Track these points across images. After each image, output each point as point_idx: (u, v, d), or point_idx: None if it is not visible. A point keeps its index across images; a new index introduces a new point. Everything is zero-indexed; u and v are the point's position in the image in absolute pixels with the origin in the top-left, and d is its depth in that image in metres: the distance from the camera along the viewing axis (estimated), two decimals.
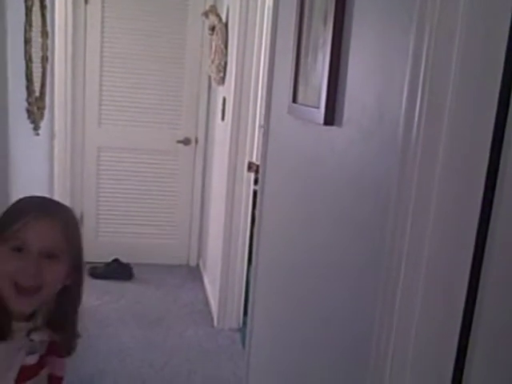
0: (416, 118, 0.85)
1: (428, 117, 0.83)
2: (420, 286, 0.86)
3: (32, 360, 1.08)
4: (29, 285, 1.02)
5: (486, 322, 0.85)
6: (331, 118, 1.26)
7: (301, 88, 1.54)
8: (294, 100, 1.58)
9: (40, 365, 1.11)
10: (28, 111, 2.40)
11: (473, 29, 0.78)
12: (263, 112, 2.20)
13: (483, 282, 0.84)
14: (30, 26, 2.33)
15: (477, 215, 0.81)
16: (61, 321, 1.12)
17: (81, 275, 1.14)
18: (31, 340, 1.06)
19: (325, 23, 1.32)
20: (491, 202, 0.81)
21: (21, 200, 1.14)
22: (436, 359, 0.88)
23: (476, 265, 0.84)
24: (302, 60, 1.52)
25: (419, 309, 0.87)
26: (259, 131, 2.99)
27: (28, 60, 2.33)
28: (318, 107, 1.31)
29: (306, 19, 1.50)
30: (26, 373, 1.07)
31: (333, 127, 1.27)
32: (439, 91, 0.82)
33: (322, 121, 1.28)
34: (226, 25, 3.37)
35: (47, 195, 1.25)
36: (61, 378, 1.21)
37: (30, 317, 1.07)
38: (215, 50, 3.42)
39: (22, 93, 2.33)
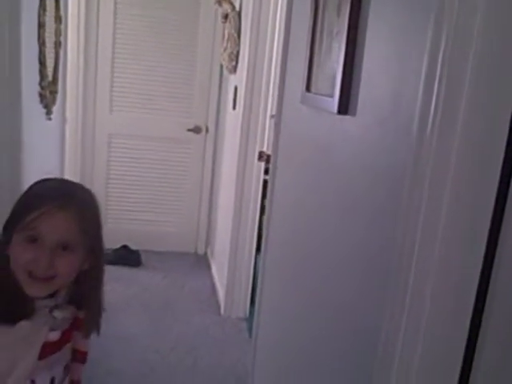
0: (432, 108, 0.84)
1: (445, 105, 0.83)
2: (432, 277, 0.86)
3: (54, 337, 1.09)
4: (41, 275, 1.02)
5: (496, 315, 0.84)
6: (345, 107, 1.26)
7: (314, 77, 1.53)
8: (308, 89, 1.57)
9: (63, 340, 1.12)
10: (41, 95, 2.41)
11: (493, 14, 0.77)
12: (275, 101, 2.19)
13: (495, 274, 0.83)
14: (44, 10, 2.33)
15: (492, 204, 0.81)
16: (81, 300, 1.13)
17: (99, 259, 1.13)
18: (54, 317, 1.08)
19: (339, 10, 1.31)
20: (506, 192, 0.81)
21: (36, 185, 1.11)
22: (445, 351, 0.88)
23: (489, 256, 0.84)
24: (317, 48, 1.51)
25: (430, 299, 0.86)
26: (270, 121, 2.99)
27: (41, 44, 2.33)
28: (331, 96, 1.31)
29: (321, 7, 1.49)
30: (48, 349, 1.08)
31: (347, 116, 1.26)
32: (457, 80, 0.81)
33: (335, 110, 1.28)
34: (239, 13, 3.35)
35: (63, 177, 1.22)
36: (84, 353, 1.23)
37: (53, 294, 1.08)
38: (228, 39, 3.40)
39: (35, 77, 2.34)
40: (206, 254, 4.31)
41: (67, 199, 1.05)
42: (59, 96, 2.74)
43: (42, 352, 1.07)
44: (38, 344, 1.06)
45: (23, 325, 1.03)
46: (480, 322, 0.86)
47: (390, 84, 1.07)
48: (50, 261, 1.01)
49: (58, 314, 1.08)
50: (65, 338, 1.12)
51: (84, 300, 1.13)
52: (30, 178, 1.40)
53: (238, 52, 3.33)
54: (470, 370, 0.88)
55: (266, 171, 2.91)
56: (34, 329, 1.05)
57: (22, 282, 1.03)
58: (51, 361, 1.11)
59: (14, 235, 1.02)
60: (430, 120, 0.84)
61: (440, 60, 0.83)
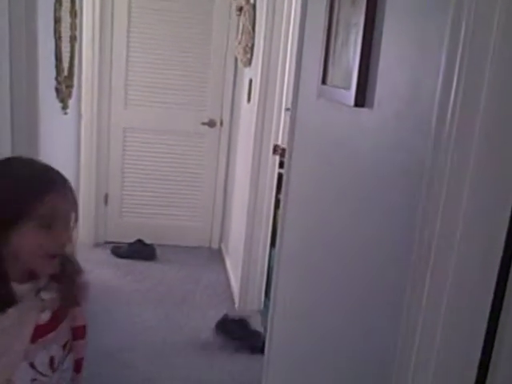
0: (451, 100, 0.83)
1: (464, 98, 0.81)
2: (450, 273, 0.85)
3: (45, 317, 1.10)
4: (60, 252, 1.06)
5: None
6: (362, 99, 1.24)
7: (331, 69, 1.51)
8: (324, 81, 1.55)
9: (55, 320, 1.12)
10: (57, 90, 2.42)
11: None
12: (290, 94, 2.18)
13: None
14: (60, 5, 2.34)
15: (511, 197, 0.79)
16: (61, 273, 1.12)
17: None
18: (42, 299, 1.09)
19: (355, 1, 1.29)
20: None
21: (19, 172, 1.07)
22: (462, 352, 0.87)
23: (508, 254, 0.82)
24: (333, 40, 1.49)
25: (447, 297, 0.85)
26: (285, 114, 2.97)
27: (58, 39, 2.34)
28: (348, 88, 1.29)
29: None
30: (40, 331, 1.09)
31: (363, 109, 1.25)
32: (476, 72, 0.79)
33: (352, 102, 1.26)
34: (254, 6, 3.33)
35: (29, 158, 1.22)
36: (81, 327, 1.22)
37: (33, 277, 1.08)
38: (242, 31, 3.39)
39: (52, 71, 2.35)
40: (220, 248, 4.32)
41: (58, 175, 1.08)
42: (75, 90, 2.76)
43: (35, 335, 1.08)
44: (29, 328, 1.07)
45: (10, 312, 1.04)
46: (497, 323, 0.84)
47: (408, 76, 1.06)
48: (68, 239, 1.05)
49: (44, 294, 1.09)
50: (56, 317, 1.12)
51: (62, 271, 1.12)
52: None
53: (252, 45, 3.32)
54: (486, 373, 0.87)
55: (281, 165, 2.90)
56: (22, 314, 1.06)
57: (33, 265, 1.06)
58: (46, 341, 1.11)
59: (21, 225, 1.00)
60: (449, 113, 0.83)
61: (460, 51, 0.81)
